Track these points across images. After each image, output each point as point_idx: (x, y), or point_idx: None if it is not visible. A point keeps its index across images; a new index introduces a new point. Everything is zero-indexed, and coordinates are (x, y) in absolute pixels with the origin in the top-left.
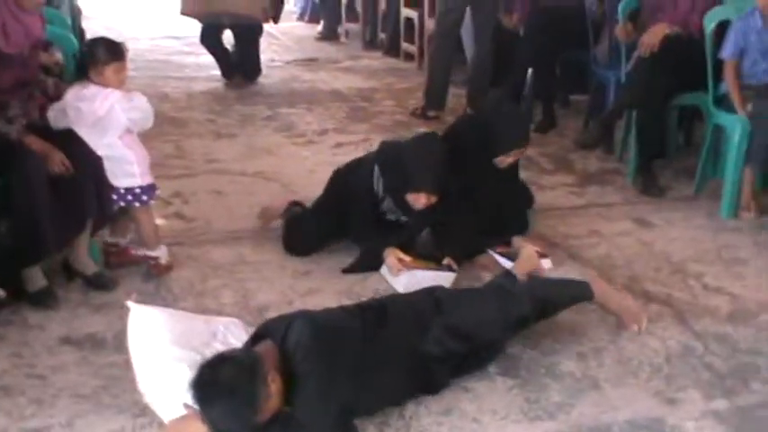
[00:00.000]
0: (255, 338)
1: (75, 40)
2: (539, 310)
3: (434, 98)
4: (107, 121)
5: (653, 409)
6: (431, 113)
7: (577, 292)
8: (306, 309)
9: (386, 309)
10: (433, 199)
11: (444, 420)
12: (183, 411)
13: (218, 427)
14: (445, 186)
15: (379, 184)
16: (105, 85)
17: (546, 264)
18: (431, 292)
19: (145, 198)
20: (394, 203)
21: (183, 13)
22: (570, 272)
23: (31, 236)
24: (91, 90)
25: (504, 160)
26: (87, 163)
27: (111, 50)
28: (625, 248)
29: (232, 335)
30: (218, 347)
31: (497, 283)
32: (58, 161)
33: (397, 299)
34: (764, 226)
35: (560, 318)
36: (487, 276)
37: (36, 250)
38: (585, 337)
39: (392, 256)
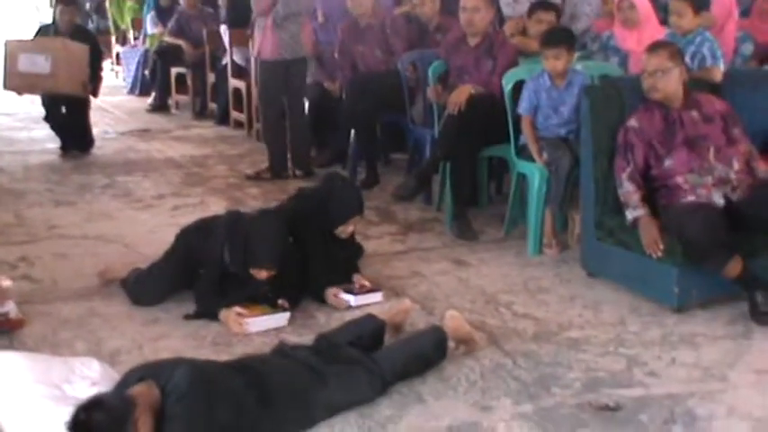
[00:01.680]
0: (140, 378)
1: None
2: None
3: (277, 169)
4: None
5: (470, 416)
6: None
7: (432, 348)
8: (178, 356)
9: (264, 381)
10: (273, 272)
11: None
12: None
13: None
14: (285, 260)
15: (226, 255)
16: None
17: (377, 297)
18: (309, 366)
19: None
20: (239, 273)
21: (6, 88)
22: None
23: None
24: None
25: (344, 230)
26: None
27: None
28: (444, 285)
29: (90, 369)
30: (78, 381)
31: (365, 365)
32: None
33: (277, 367)
34: (565, 260)
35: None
36: (338, 314)
37: None
38: None
39: (231, 316)
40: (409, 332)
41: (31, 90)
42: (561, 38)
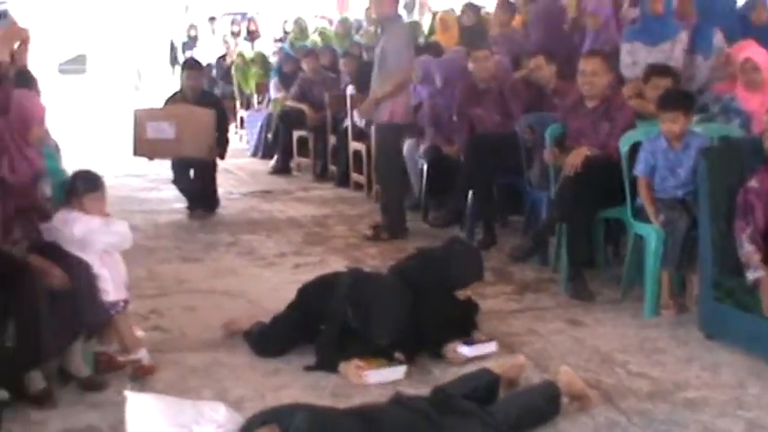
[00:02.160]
0: (263, 422)
1: (64, 172)
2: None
3: (396, 224)
4: (83, 243)
5: None
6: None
7: (546, 402)
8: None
9: (381, 428)
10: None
11: None
12: None
13: None
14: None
15: (349, 314)
16: (86, 211)
17: (491, 347)
18: (426, 416)
19: (118, 309)
20: (360, 331)
21: (136, 154)
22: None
23: (31, 344)
24: (72, 215)
25: (464, 293)
26: (81, 275)
27: (90, 182)
28: (559, 344)
29: (217, 413)
30: (206, 424)
31: (480, 417)
32: (59, 277)
33: (394, 416)
34: (681, 322)
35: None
36: (454, 368)
37: (36, 357)
38: None
39: (350, 368)
40: (523, 386)
41: (160, 155)
42: (678, 101)
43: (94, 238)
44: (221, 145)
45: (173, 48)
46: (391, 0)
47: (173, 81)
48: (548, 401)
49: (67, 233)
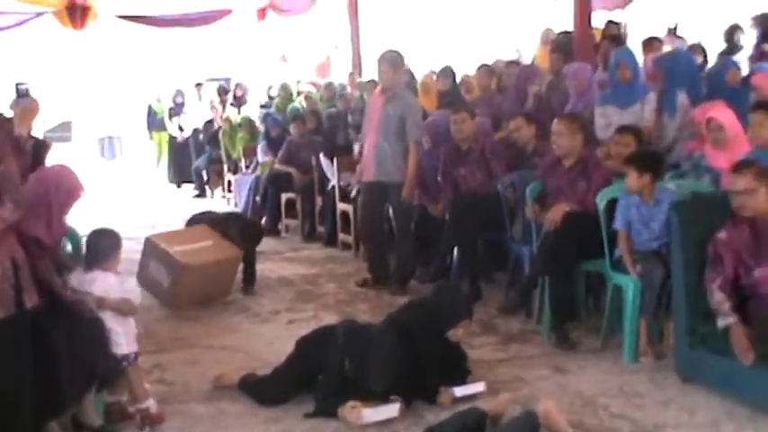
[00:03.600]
0: None
1: (78, 234)
2: None
3: (378, 274)
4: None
5: None
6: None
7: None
8: None
9: None
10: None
11: None
12: None
13: None
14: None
15: (347, 365)
16: (106, 269)
17: (479, 386)
18: None
19: (130, 361)
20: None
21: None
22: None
23: (52, 394)
24: (90, 276)
25: (455, 333)
26: (95, 329)
27: (116, 240)
28: (544, 389)
29: None
30: None
31: None
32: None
33: None
34: (659, 368)
35: None
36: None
37: (57, 407)
38: None
39: (346, 409)
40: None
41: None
42: (629, 159)
43: (112, 297)
44: (248, 280)
45: (150, 113)
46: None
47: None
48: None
49: (84, 292)
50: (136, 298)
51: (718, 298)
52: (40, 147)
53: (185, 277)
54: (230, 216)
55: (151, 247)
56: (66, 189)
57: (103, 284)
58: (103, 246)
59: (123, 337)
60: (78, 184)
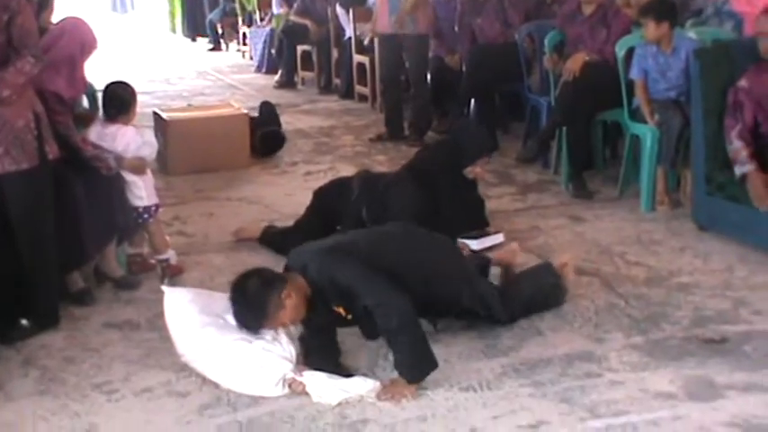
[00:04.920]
0: (286, 269)
1: (94, 88)
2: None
3: (393, 129)
4: (123, 154)
5: (584, 346)
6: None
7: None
8: None
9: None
10: None
11: None
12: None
13: (238, 321)
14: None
15: (364, 214)
16: (123, 122)
17: (498, 238)
18: None
19: (151, 214)
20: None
21: None
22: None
23: (74, 245)
24: (109, 129)
25: (473, 170)
26: (114, 181)
27: (132, 93)
28: (560, 238)
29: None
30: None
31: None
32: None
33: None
34: (676, 216)
35: None
36: None
37: (80, 257)
38: None
39: None
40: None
41: None
42: (647, 9)
43: (131, 149)
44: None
45: None
46: None
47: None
48: (551, 286)
49: (105, 146)
50: (153, 149)
51: (737, 145)
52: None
53: (174, 136)
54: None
55: (155, 120)
56: (84, 42)
57: (123, 139)
58: (120, 99)
59: (144, 190)
60: (94, 36)
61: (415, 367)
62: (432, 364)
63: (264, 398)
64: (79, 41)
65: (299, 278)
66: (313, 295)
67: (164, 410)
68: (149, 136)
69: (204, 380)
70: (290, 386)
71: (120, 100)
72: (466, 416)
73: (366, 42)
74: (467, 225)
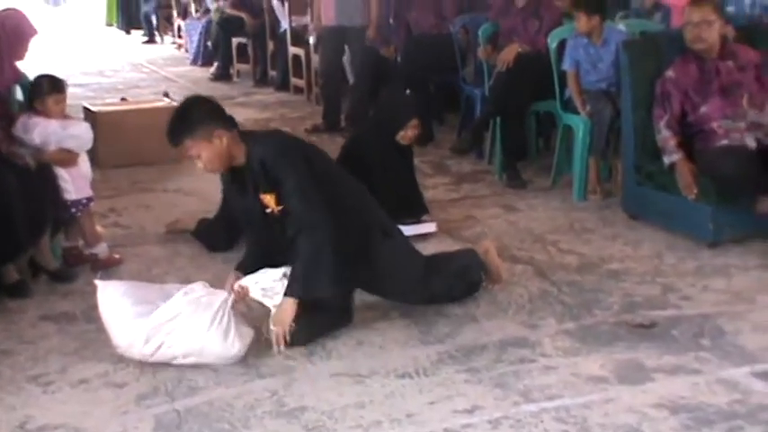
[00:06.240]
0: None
1: (29, 80)
2: None
3: (330, 121)
4: (43, 146)
5: (519, 332)
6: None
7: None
8: None
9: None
10: None
11: (358, 348)
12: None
13: (168, 126)
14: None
15: None
16: (48, 114)
17: (431, 227)
18: None
19: (80, 207)
20: None
21: None
22: (451, 246)
23: (8, 237)
24: (32, 120)
25: (404, 136)
26: (41, 174)
27: (53, 84)
28: (495, 227)
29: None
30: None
31: None
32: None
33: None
34: (608, 206)
35: None
36: None
37: (14, 249)
38: None
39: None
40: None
41: None
42: (579, 2)
43: (51, 141)
44: None
45: None
46: None
47: None
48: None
49: (27, 138)
50: (81, 143)
51: (665, 135)
52: None
53: (103, 129)
54: None
55: (84, 113)
56: (14, 31)
57: (44, 131)
58: (48, 88)
59: (71, 184)
60: (29, 26)
61: (307, 279)
62: (323, 286)
63: (202, 387)
64: (9, 30)
65: (242, 141)
66: (244, 170)
67: (101, 401)
68: (76, 128)
69: (141, 370)
70: (235, 303)
71: (40, 92)
72: (402, 402)
73: (312, 41)
74: (403, 201)
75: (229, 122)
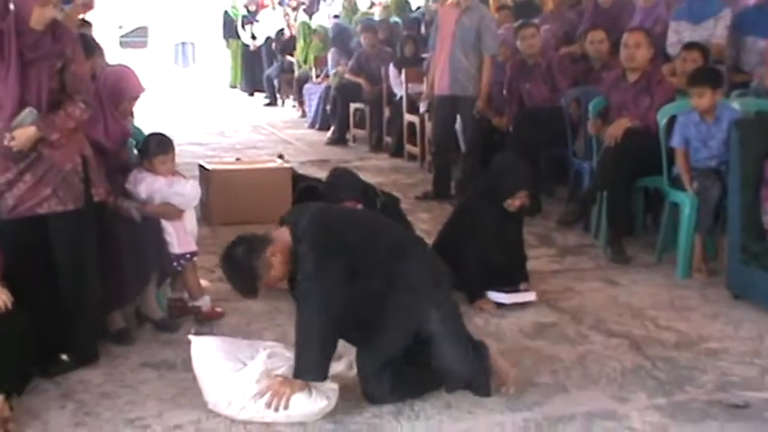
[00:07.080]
0: (280, 223)
1: (142, 132)
2: None
3: (441, 188)
4: (150, 201)
5: (608, 405)
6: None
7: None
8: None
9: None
10: None
11: (445, 412)
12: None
13: (235, 288)
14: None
15: None
16: (156, 171)
17: (530, 296)
18: None
19: (184, 261)
20: None
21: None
22: (549, 316)
23: (115, 286)
24: (140, 176)
25: (512, 204)
26: (148, 228)
27: (160, 145)
28: (594, 300)
29: (273, 351)
30: (262, 358)
31: None
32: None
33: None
34: (712, 284)
35: (538, 345)
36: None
37: (119, 297)
38: (557, 360)
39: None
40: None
41: None
42: (704, 77)
43: (156, 198)
44: None
45: (226, 20)
46: None
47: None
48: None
49: (135, 192)
50: (186, 201)
51: None
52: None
53: (216, 187)
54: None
55: (200, 171)
56: (114, 88)
57: (150, 187)
58: (155, 149)
59: (175, 238)
60: (131, 84)
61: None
62: (313, 373)
63: None
64: (110, 87)
65: (284, 232)
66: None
67: None
68: (181, 187)
69: (233, 421)
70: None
71: (149, 150)
72: None
73: (423, 110)
74: (504, 267)
75: (265, 236)
